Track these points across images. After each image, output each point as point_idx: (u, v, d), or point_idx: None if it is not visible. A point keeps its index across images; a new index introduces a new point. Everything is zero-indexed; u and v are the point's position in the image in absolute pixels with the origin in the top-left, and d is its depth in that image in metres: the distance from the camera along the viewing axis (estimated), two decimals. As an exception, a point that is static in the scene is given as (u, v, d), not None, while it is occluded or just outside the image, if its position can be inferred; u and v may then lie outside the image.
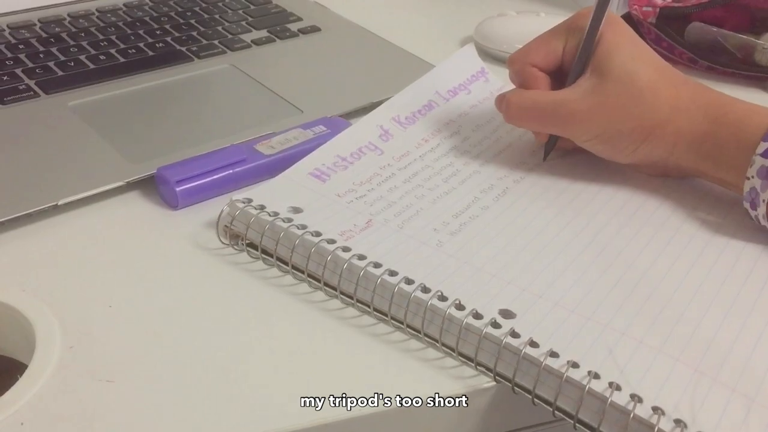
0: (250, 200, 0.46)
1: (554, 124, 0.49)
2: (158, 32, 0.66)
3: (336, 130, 0.53)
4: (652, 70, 0.47)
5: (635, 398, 0.34)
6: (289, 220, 0.44)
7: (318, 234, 0.43)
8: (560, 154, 0.53)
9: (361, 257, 0.42)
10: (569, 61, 0.50)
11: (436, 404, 0.37)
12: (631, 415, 0.34)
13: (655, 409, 0.34)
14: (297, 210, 0.45)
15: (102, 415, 0.35)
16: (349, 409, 0.36)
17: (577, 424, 0.35)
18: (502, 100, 0.51)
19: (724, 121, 0.46)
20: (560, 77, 0.51)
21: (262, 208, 0.45)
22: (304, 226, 0.44)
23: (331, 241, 0.43)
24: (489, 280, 0.41)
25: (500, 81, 0.61)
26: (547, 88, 0.50)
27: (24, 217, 0.45)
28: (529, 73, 0.50)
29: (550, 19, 0.66)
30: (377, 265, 0.41)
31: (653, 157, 0.48)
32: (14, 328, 0.40)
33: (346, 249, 0.42)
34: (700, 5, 0.67)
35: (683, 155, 0.48)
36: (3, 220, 0.45)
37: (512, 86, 0.52)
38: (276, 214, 0.44)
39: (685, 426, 0.34)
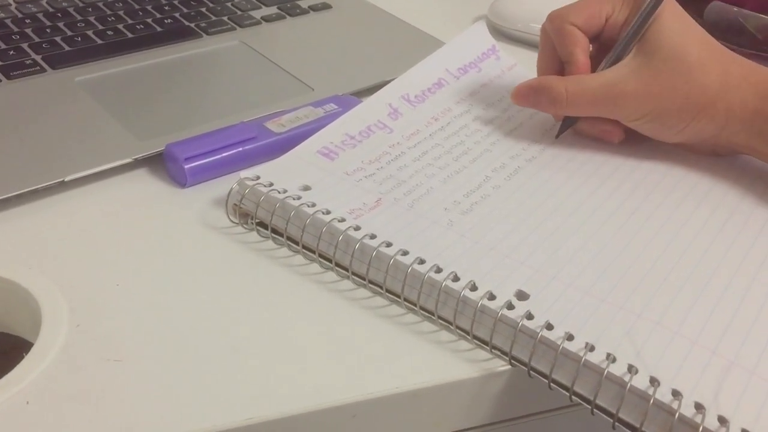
0: (258, 177, 0.45)
1: (605, 106, 0.48)
2: (167, 8, 0.65)
3: (347, 109, 0.52)
4: (700, 47, 0.47)
5: (654, 383, 0.34)
6: (298, 198, 0.43)
7: (328, 212, 0.42)
8: (573, 132, 0.52)
9: (373, 236, 0.41)
10: (611, 32, 0.49)
11: (450, 388, 0.37)
12: (651, 401, 0.33)
13: (675, 393, 0.33)
14: (306, 188, 0.45)
15: (109, 395, 0.35)
16: (359, 391, 0.36)
17: (594, 410, 0.35)
18: (540, 91, 0.49)
19: None
20: (597, 43, 0.50)
21: (270, 185, 0.44)
22: (313, 204, 0.43)
23: (341, 220, 0.42)
24: (501, 261, 0.40)
25: (512, 59, 0.60)
26: (586, 51, 0.49)
27: (30, 193, 0.45)
28: (569, 31, 0.49)
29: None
30: (389, 245, 0.41)
31: (703, 135, 0.48)
32: (20, 306, 0.40)
33: (356, 228, 0.41)
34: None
35: (735, 133, 0.47)
36: (9, 196, 0.44)
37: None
38: (285, 191, 0.44)
39: (705, 410, 0.33)
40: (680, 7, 0.48)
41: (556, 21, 0.50)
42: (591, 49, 0.50)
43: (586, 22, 0.49)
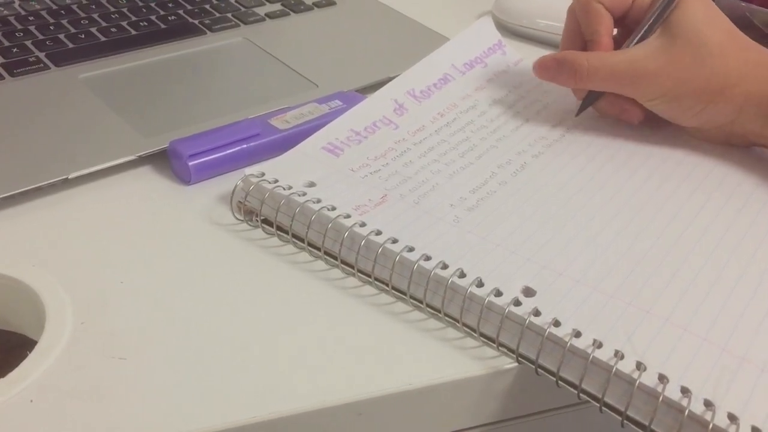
0: (262, 174, 0.44)
1: (624, 83, 0.49)
2: (170, 5, 0.65)
3: (352, 105, 0.52)
4: (722, 33, 0.48)
5: (663, 380, 0.33)
6: (303, 194, 0.43)
7: (333, 208, 0.42)
8: (586, 118, 0.51)
9: (378, 233, 0.41)
10: (637, 14, 0.50)
11: (456, 386, 0.36)
12: (660, 398, 0.33)
13: (684, 390, 0.33)
14: (311, 184, 0.44)
15: (114, 393, 0.34)
16: (365, 389, 0.35)
17: (603, 408, 0.34)
18: (563, 64, 0.50)
19: None
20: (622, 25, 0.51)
21: (275, 182, 0.44)
22: (318, 201, 0.43)
23: (346, 216, 0.42)
24: (508, 257, 0.40)
25: (518, 54, 0.59)
26: (609, 31, 0.50)
27: (34, 190, 0.45)
28: (595, 9, 0.50)
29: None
30: (394, 241, 0.40)
31: (718, 121, 0.48)
32: (24, 304, 0.39)
33: (362, 224, 0.41)
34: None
35: (750, 120, 0.47)
36: (13, 193, 0.44)
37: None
38: (290, 188, 0.43)
39: (715, 407, 0.32)
40: None
41: None
42: (615, 32, 0.51)
43: (613, 2, 0.50)
